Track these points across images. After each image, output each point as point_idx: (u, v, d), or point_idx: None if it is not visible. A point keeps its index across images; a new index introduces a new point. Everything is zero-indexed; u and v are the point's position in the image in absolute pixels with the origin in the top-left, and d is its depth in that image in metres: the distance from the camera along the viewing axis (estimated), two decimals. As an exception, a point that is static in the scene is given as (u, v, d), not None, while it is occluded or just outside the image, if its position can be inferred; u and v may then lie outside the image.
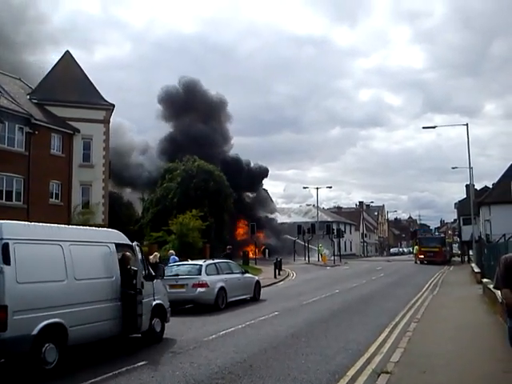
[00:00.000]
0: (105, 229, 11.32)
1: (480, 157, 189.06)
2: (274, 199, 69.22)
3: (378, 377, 7.39)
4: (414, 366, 8.05)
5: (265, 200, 61.86)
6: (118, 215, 39.02)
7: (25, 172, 28.78)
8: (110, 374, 7.93)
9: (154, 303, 10.48)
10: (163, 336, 10.84)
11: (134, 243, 10.48)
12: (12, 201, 28.08)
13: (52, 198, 30.75)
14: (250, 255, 46.29)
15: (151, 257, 16.88)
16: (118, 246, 9.98)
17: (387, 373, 7.54)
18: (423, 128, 37.06)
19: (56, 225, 9.00)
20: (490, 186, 47.98)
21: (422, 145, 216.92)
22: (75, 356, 8.92)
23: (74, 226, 9.52)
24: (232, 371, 8.04)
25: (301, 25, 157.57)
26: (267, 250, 57.12)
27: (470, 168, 35.75)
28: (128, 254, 10.15)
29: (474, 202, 37.09)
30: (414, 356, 8.73)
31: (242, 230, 54.20)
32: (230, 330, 11.85)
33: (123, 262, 9.97)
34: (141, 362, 8.73)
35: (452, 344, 9.87)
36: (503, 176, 38.24)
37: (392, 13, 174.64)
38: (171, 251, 19.37)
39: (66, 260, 8.52)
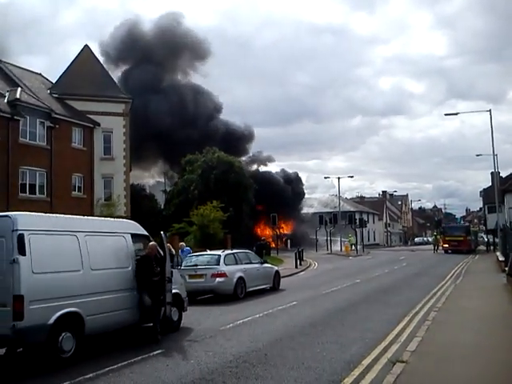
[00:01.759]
0: (121, 219, 11.39)
1: (506, 144, 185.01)
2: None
3: (393, 366, 7.29)
4: (430, 355, 7.92)
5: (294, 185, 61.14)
6: (140, 207, 39.38)
7: (47, 166, 29.30)
8: (126, 362, 8.04)
9: (172, 292, 10.52)
10: (180, 325, 10.92)
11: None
12: (35, 194, 28.64)
13: (75, 190, 31.29)
14: (272, 245, 46.37)
15: None
16: (134, 236, 10.05)
17: (402, 362, 7.44)
18: (445, 115, 36.58)
19: (72, 216, 9.10)
20: (516, 174, 46.93)
21: (445, 133, 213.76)
22: (92, 345, 9.05)
23: (90, 217, 9.62)
24: (246, 360, 8.05)
25: (319, 14, 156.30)
26: (289, 241, 57.08)
27: (495, 155, 35.07)
28: (153, 243, 10.13)
29: (499, 190, 36.30)
30: (431, 346, 8.59)
31: (263, 221, 54.18)
32: (247, 319, 11.87)
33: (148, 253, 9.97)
34: (156, 351, 8.81)
35: (471, 334, 9.70)
36: (529, 163, 37.33)
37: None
38: (182, 243, 19.25)
39: (82, 250, 8.62)
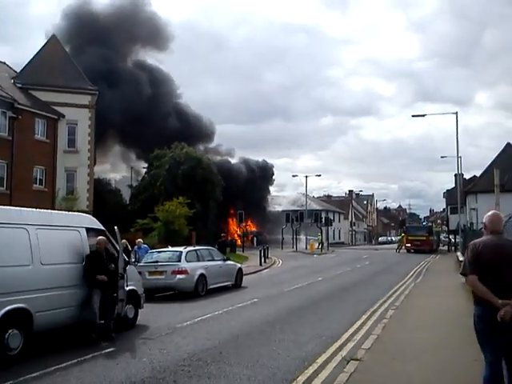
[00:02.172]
0: (76, 213, 11.05)
1: (470, 147, 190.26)
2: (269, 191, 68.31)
3: (347, 364, 7.28)
4: (384, 353, 7.95)
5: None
6: (105, 202, 38.66)
7: (8, 157, 28.41)
8: (75, 360, 7.78)
9: (127, 289, 10.26)
10: (136, 322, 10.68)
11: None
12: (-5, 186, 27.72)
13: (36, 183, 30.44)
14: (238, 243, 46.22)
15: None
16: (89, 230, 9.76)
17: (357, 360, 7.45)
18: (413, 116, 37.16)
19: (22, 208, 8.75)
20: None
21: (413, 134, 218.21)
22: (42, 342, 8.74)
23: (42, 210, 9.25)
24: (201, 358, 7.91)
25: (292, 12, 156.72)
26: (255, 238, 57.08)
27: (459, 157, 35.85)
28: (101, 237, 9.78)
29: (462, 191, 37.12)
30: (386, 343, 8.64)
31: (231, 219, 54.05)
32: (205, 316, 11.72)
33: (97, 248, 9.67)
34: (109, 349, 8.60)
35: (427, 332, 9.79)
36: (490, 165, 38.22)
37: (384, 0, 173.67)
38: (139, 240, 18.33)
39: (32, 244, 8.29)
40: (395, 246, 62.91)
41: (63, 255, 8.93)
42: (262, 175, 60.36)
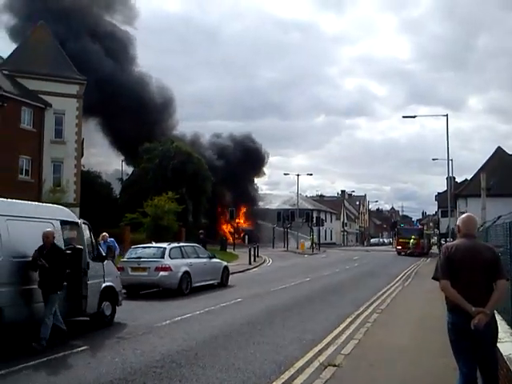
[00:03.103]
0: (50, 205, 10.68)
1: (463, 150, 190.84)
2: (258, 185, 68.27)
3: (324, 369, 7.03)
4: (363, 358, 7.70)
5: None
6: (94, 195, 38.18)
7: (-8, 146, 27.81)
8: (45, 359, 7.49)
9: (104, 285, 9.97)
10: (113, 320, 10.38)
11: (80, 221, 9.84)
12: (-22, 176, 27.15)
13: (22, 174, 29.88)
14: (230, 241, 45.90)
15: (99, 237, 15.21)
16: (64, 223, 9.41)
17: (334, 366, 7.20)
18: (403, 117, 36.97)
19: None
20: (470, 179, 47.88)
21: (405, 136, 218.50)
22: (10, 339, 8.38)
23: (13, 200, 8.82)
24: (175, 359, 7.62)
25: (287, 9, 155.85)
26: (247, 236, 56.85)
27: (450, 160, 35.70)
28: (48, 230, 8.59)
29: (452, 195, 37.02)
30: (366, 348, 8.40)
31: (223, 215, 53.78)
32: (186, 316, 11.42)
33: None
34: (82, 347, 8.31)
35: (409, 337, 9.57)
36: (480, 169, 38.16)
37: (379, 1, 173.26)
38: (104, 234, 17.07)
39: (2, 236, 7.93)
40: (386, 247, 62.57)
41: (35, 249, 8.55)
42: (244, 155, 57.46)
